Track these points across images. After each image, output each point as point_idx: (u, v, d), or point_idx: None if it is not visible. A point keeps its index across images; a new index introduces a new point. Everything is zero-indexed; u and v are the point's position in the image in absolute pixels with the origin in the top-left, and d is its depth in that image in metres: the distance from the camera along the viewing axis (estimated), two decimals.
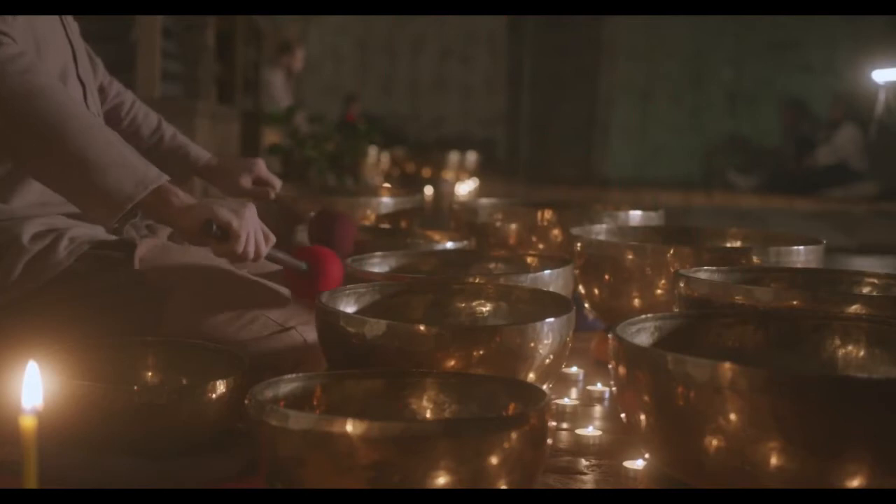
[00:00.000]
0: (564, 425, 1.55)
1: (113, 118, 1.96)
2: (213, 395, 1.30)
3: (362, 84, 11.41)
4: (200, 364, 1.42)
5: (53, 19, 1.65)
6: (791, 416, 1.00)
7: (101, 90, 1.95)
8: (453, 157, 8.04)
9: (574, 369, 1.84)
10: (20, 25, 1.54)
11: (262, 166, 2.11)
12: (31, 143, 1.45)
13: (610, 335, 1.19)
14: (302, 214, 2.14)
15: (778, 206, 7.66)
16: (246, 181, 2.07)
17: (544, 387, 1.39)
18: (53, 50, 1.62)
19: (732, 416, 1.03)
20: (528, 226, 2.32)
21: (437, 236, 2.16)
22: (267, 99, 6.67)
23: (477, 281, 1.64)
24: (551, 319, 1.38)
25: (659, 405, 1.09)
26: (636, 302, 1.86)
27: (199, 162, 2.06)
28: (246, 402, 1.06)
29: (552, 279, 1.69)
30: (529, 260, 1.86)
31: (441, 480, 0.98)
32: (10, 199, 1.57)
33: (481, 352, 1.33)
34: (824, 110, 9.63)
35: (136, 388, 1.31)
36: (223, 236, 1.48)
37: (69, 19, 1.73)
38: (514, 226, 2.33)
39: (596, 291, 1.94)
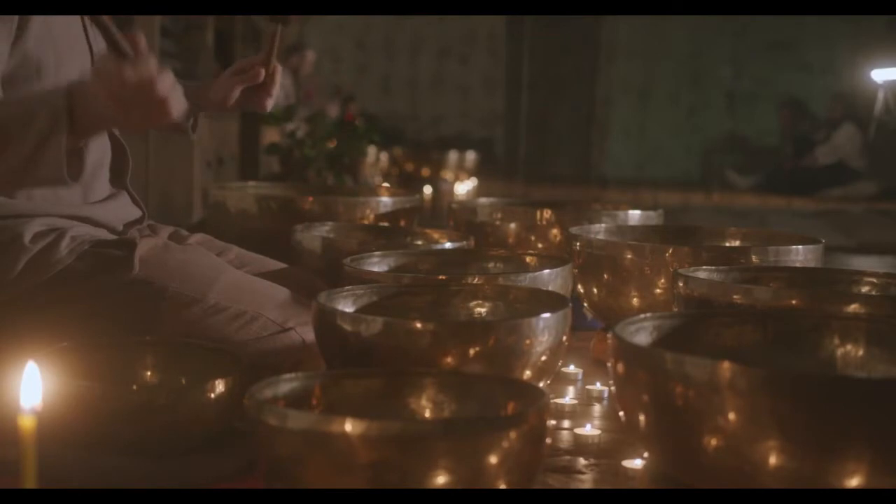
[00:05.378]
0: (563, 424, 1.55)
1: None
2: (213, 395, 1.30)
3: (361, 84, 11.41)
4: (200, 364, 1.42)
5: (75, 21, 1.65)
6: (790, 416, 1.00)
7: None
8: (452, 156, 8.06)
9: (573, 368, 1.84)
10: (37, 27, 1.54)
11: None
12: None
13: (609, 334, 1.19)
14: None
15: (777, 206, 7.66)
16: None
17: (542, 385, 1.40)
18: (73, 54, 1.62)
19: (731, 416, 1.03)
20: (526, 225, 2.32)
21: (435, 236, 2.16)
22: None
23: (476, 281, 1.64)
24: (546, 315, 1.38)
25: (658, 404, 1.09)
26: (635, 301, 1.86)
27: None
28: (245, 401, 1.06)
29: (551, 278, 1.69)
30: (528, 259, 1.86)
31: (440, 480, 0.98)
32: (15, 195, 1.57)
33: (477, 348, 1.33)
34: (823, 110, 9.64)
35: (134, 387, 1.31)
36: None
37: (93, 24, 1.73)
38: (512, 225, 2.33)
39: (595, 291, 1.94)
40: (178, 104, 1.38)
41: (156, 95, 1.34)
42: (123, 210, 1.74)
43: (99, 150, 1.70)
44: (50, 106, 1.40)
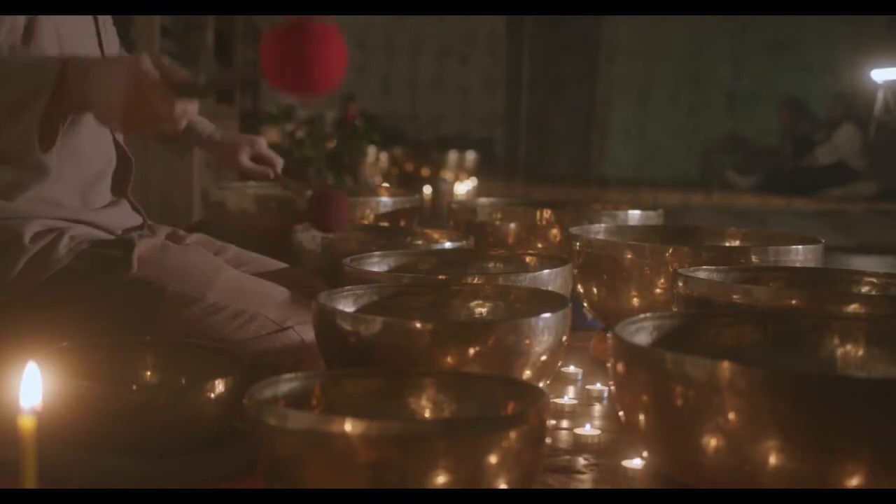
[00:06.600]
0: (563, 424, 1.55)
1: None
2: (212, 395, 1.30)
3: (361, 84, 11.41)
4: (199, 364, 1.42)
5: (88, 28, 1.65)
6: (790, 416, 1.00)
7: None
8: (452, 156, 8.07)
9: (573, 368, 1.84)
10: (44, 33, 1.53)
11: (263, 144, 2.13)
12: None
13: (609, 334, 1.19)
14: (297, 194, 2.16)
15: (777, 206, 7.67)
16: (245, 158, 2.09)
17: (541, 385, 1.39)
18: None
19: (731, 416, 1.03)
20: (526, 225, 2.32)
21: (435, 236, 2.17)
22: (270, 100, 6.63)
23: (476, 281, 1.64)
24: (546, 315, 1.38)
25: (657, 404, 1.09)
26: (635, 301, 1.86)
27: (204, 134, 2.08)
28: (244, 401, 1.06)
29: (551, 278, 1.69)
30: (528, 259, 1.86)
31: (440, 480, 0.98)
32: (15, 198, 1.57)
33: (477, 348, 1.33)
34: (823, 110, 9.64)
35: (134, 387, 1.31)
36: None
37: (107, 27, 1.73)
38: (512, 225, 2.33)
39: (595, 291, 1.94)
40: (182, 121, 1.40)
41: (172, 116, 1.37)
42: (124, 217, 1.75)
43: (104, 159, 1.71)
44: (41, 72, 1.39)
